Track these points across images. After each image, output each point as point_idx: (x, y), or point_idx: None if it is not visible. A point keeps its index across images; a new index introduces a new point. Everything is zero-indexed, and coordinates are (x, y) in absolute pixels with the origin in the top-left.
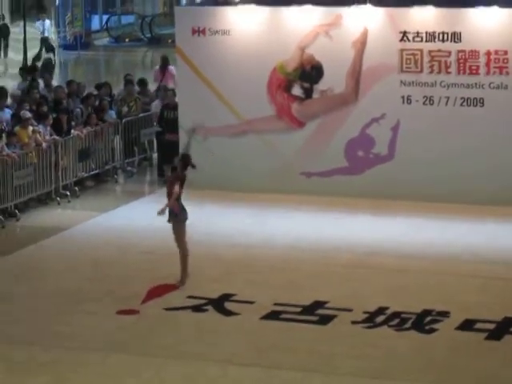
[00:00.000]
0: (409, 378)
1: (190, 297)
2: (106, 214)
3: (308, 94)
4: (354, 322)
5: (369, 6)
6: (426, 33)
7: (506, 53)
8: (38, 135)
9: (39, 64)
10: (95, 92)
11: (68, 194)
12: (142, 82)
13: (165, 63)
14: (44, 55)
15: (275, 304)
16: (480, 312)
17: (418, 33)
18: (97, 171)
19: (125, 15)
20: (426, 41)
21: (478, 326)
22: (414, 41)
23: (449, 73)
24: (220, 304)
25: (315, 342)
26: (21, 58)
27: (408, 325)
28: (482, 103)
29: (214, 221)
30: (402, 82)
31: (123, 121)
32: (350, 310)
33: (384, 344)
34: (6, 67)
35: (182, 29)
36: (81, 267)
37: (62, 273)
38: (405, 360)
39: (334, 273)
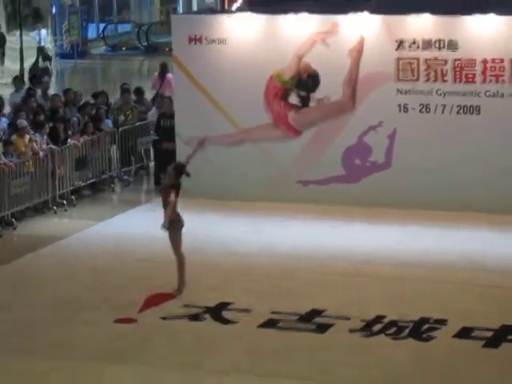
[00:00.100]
0: None
1: (187, 305)
2: (103, 222)
3: (305, 102)
4: (351, 331)
5: (365, 14)
6: (423, 41)
7: (502, 61)
8: (34, 144)
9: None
10: (92, 101)
11: (65, 202)
12: (139, 91)
13: (164, 70)
14: (41, 64)
15: (272, 312)
16: (477, 320)
17: (414, 41)
18: (93, 180)
19: (121, 24)
20: (423, 49)
21: (476, 333)
22: (410, 49)
23: (445, 81)
24: (217, 312)
25: (313, 351)
26: (17, 67)
27: (405, 333)
28: (479, 111)
29: (211, 229)
30: (398, 90)
31: (120, 130)
32: (347, 319)
33: (381, 352)
34: (3, 76)
35: (178, 37)
36: (78, 276)
37: (59, 281)
38: (402, 368)
39: (331, 281)
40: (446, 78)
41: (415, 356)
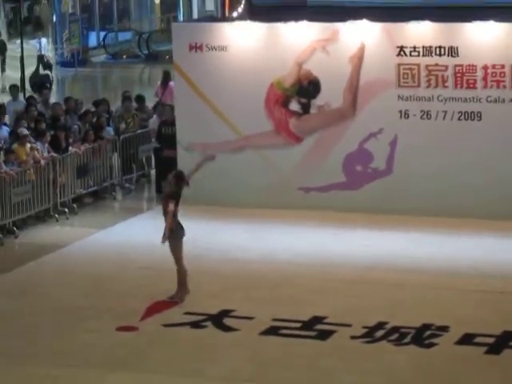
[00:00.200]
0: None
1: (188, 313)
2: (105, 230)
3: (305, 109)
4: (353, 337)
5: (365, 22)
6: (423, 47)
7: (503, 67)
8: (35, 152)
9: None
10: (93, 109)
11: (66, 210)
12: (140, 99)
13: (166, 79)
14: (42, 72)
15: (274, 319)
16: (479, 326)
17: (414, 47)
18: (95, 188)
19: (122, 32)
20: (423, 55)
21: (478, 340)
22: (410, 55)
23: (446, 87)
24: (219, 320)
25: (315, 358)
26: (18, 75)
27: (407, 339)
28: (480, 117)
29: (212, 236)
30: (399, 96)
31: (121, 137)
32: (349, 325)
33: (383, 359)
34: (4, 84)
35: (179, 45)
36: (80, 284)
37: (61, 289)
38: (404, 375)
39: (332, 288)
40: (446, 84)
41: (417, 362)
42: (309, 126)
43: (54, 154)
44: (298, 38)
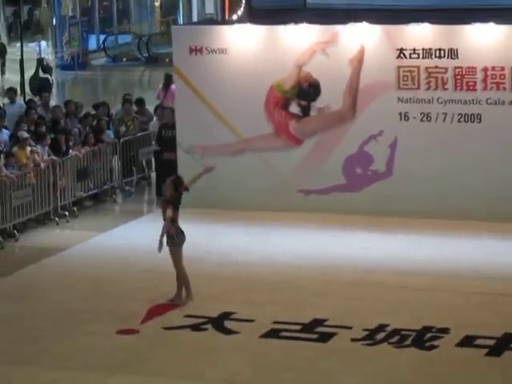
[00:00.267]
0: None
1: (189, 316)
2: (105, 233)
3: (305, 111)
4: (353, 340)
5: (365, 24)
6: (423, 49)
7: (503, 69)
8: (36, 156)
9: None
10: (93, 112)
11: (66, 214)
12: (140, 102)
13: (168, 81)
14: (42, 76)
15: (275, 322)
16: (480, 328)
17: (414, 50)
18: (95, 191)
19: (122, 35)
20: (423, 57)
21: (478, 342)
22: (410, 58)
23: (446, 89)
24: (220, 323)
25: (315, 360)
26: (17, 78)
27: (408, 342)
28: (480, 119)
29: (212, 239)
30: (399, 98)
31: (121, 140)
32: (349, 328)
33: (384, 361)
34: (3, 87)
35: (179, 48)
36: (80, 287)
37: (61, 293)
38: (405, 377)
39: (333, 290)
40: (446, 86)
41: (418, 365)
42: (309, 129)
43: (54, 157)
44: (297, 40)
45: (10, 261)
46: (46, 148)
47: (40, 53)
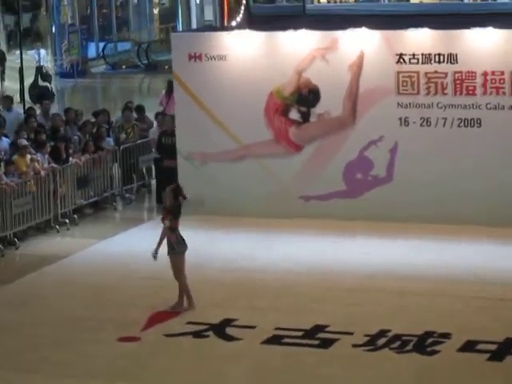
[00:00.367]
0: None
1: (190, 323)
2: (105, 241)
3: (305, 117)
4: (355, 346)
5: (364, 30)
6: (422, 55)
7: (502, 73)
8: (36, 163)
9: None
10: (93, 119)
11: (67, 221)
12: (140, 109)
13: (171, 88)
14: (42, 84)
15: (276, 328)
16: (481, 333)
17: (414, 55)
18: (95, 199)
19: (121, 42)
20: (423, 63)
21: (480, 347)
22: (410, 63)
23: (445, 94)
24: (221, 329)
25: (317, 366)
26: (17, 86)
27: (409, 347)
28: (480, 124)
29: (212, 245)
30: (399, 104)
31: (121, 148)
32: (351, 334)
33: (386, 367)
34: (4, 93)
35: (178, 55)
36: (81, 294)
37: (62, 300)
38: (407, 382)
39: (334, 296)
40: (446, 91)
41: (420, 370)
42: (309, 135)
43: (55, 165)
44: (297, 46)
45: (11, 269)
46: (46, 156)
47: (39, 61)
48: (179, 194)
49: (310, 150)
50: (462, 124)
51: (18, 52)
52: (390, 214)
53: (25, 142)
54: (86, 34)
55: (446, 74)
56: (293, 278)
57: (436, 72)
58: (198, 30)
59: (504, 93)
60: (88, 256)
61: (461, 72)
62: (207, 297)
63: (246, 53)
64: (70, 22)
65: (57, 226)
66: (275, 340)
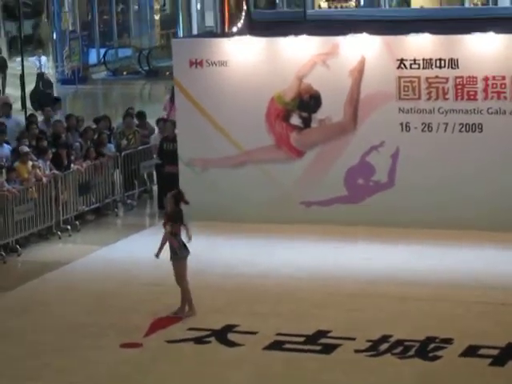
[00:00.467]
0: None
1: (192, 329)
2: (107, 247)
3: (306, 123)
4: (357, 351)
5: (365, 35)
6: (423, 60)
7: (503, 78)
8: (37, 170)
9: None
10: (94, 126)
11: (69, 228)
12: (141, 115)
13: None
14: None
15: (278, 334)
16: (483, 338)
17: (415, 60)
18: (97, 205)
19: (122, 48)
20: (424, 68)
21: (482, 352)
22: (411, 68)
23: (447, 99)
24: (223, 335)
25: (319, 372)
26: (18, 93)
27: (412, 352)
28: (481, 129)
29: (213, 251)
30: (400, 109)
31: (122, 154)
32: (353, 339)
33: (388, 372)
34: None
35: (179, 61)
36: (83, 301)
37: (64, 307)
38: None
39: (336, 302)
40: (447, 96)
41: (422, 375)
42: (310, 140)
43: (56, 172)
44: (298, 52)
45: (13, 275)
46: (48, 162)
47: (40, 67)
48: (180, 200)
49: (312, 155)
50: (463, 129)
51: (19, 59)
52: (392, 219)
53: (26, 149)
54: (86, 40)
55: (447, 79)
56: (294, 283)
57: (437, 77)
58: (198, 36)
59: (505, 98)
60: (90, 262)
61: (462, 77)
62: (208, 303)
63: (247, 59)
64: (71, 28)
65: (59, 233)
66: (277, 346)
